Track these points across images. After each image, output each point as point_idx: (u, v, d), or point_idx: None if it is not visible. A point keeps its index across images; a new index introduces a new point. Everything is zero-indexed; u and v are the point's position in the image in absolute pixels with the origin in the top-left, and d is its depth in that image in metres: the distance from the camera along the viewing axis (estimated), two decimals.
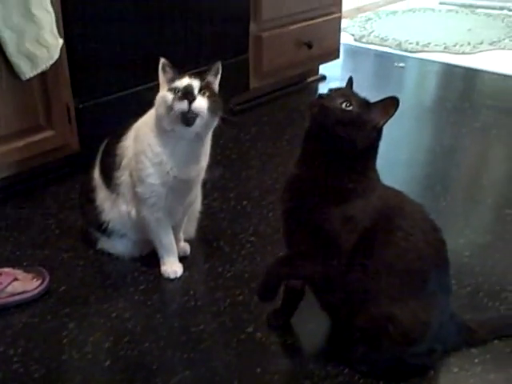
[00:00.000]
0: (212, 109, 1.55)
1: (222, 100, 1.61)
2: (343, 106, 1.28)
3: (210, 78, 1.61)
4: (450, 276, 1.43)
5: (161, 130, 1.60)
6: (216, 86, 1.63)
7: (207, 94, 1.55)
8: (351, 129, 1.28)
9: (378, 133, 1.32)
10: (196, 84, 1.55)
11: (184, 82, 1.55)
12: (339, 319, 1.44)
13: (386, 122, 1.31)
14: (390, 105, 1.30)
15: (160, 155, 1.61)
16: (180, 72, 1.60)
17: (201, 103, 1.53)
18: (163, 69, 1.61)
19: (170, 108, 1.54)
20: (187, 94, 1.52)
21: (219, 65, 1.63)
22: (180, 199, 1.71)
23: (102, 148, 1.78)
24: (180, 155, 1.61)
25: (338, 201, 1.32)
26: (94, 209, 1.76)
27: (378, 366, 1.40)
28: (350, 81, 1.42)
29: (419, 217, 1.40)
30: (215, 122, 1.60)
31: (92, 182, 1.77)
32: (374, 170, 1.37)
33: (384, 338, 1.33)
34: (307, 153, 1.36)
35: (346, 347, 1.43)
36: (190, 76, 1.57)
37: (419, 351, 1.37)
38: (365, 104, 1.31)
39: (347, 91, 1.35)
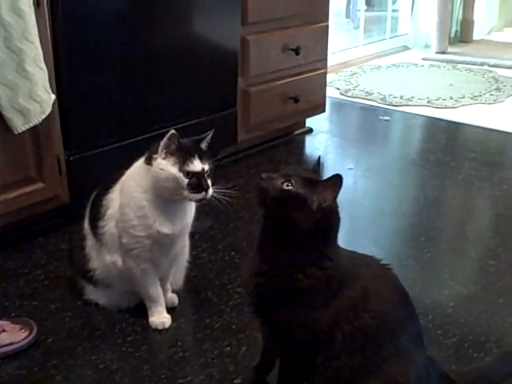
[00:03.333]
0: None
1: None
2: (284, 185, 1.25)
3: (205, 146, 1.67)
4: (419, 324, 1.44)
5: (157, 196, 1.64)
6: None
7: (211, 173, 1.65)
8: (292, 209, 1.25)
9: (327, 213, 1.27)
10: (206, 168, 1.62)
11: (197, 167, 1.60)
12: None
13: (333, 201, 1.27)
14: (335, 183, 1.26)
15: (144, 209, 1.65)
16: (184, 148, 1.62)
17: (211, 190, 1.63)
18: (170, 139, 1.59)
19: (183, 194, 1.61)
20: (203, 184, 1.61)
21: (211, 133, 1.69)
22: (165, 252, 1.73)
23: (91, 198, 1.81)
24: (165, 212, 1.65)
25: (294, 302, 1.29)
26: (83, 256, 1.79)
27: None
28: (319, 160, 1.41)
29: (383, 284, 1.37)
30: None
31: (83, 231, 1.80)
32: (333, 253, 1.31)
33: None
34: (264, 233, 1.34)
35: None
36: (200, 156, 1.62)
37: None
38: (309, 183, 1.26)
39: (292, 170, 1.30)
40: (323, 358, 1.31)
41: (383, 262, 1.42)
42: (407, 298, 1.40)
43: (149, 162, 1.63)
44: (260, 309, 1.36)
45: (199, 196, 1.62)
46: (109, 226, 1.72)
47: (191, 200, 1.65)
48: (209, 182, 1.63)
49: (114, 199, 1.72)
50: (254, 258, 1.37)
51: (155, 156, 1.61)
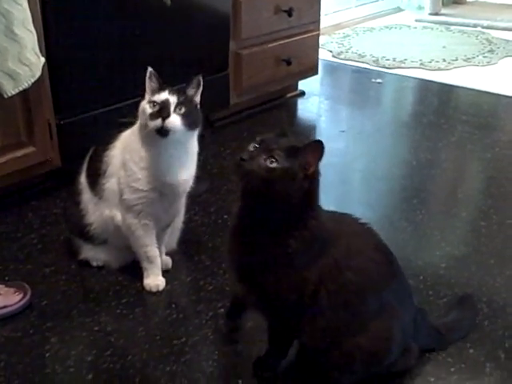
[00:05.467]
0: (187, 124, 1.62)
1: (201, 112, 1.69)
2: (267, 163, 1.21)
3: (190, 91, 1.66)
4: (405, 281, 1.47)
5: (144, 136, 1.66)
6: (197, 99, 1.69)
7: (183, 110, 1.61)
8: (281, 186, 1.22)
9: (311, 179, 1.26)
10: (173, 100, 1.61)
11: (162, 96, 1.61)
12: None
13: (317, 167, 1.25)
14: (317, 149, 1.23)
15: (146, 159, 1.66)
16: (163, 84, 1.65)
17: (174, 121, 1.60)
18: (150, 78, 1.66)
19: (146, 124, 1.62)
20: (162, 111, 1.59)
21: (200, 78, 1.68)
22: (167, 206, 1.74)
23: (89, 154, 1.82)
24: (165, 159, 1.67)
25: (282, 266, 1.29)
26: (79, 212, 1.79)
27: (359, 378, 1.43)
28: (284, 123, 1.37)
29: (365, 243, 1.39)
30: (195, 132, 1.68)
31: (78, 186, 1.81)
32: (316, 215, 1.31)
33: (354, 365, 1.36)
34: (246, 209, 1.32)
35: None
36: (170, 91, 1.63)
37: (391, 361, 1.41)
38: (291, 152, 1.23)
39: (271, 142, 1.25)
40: (309, 316, 1.33)
41: (362, 220, 1.44)
42: (389, 254, 1.42)
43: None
44: (247, 276, 1.35)
45: (156, 122, 1.59)
46: (110, 182, 1.74)
47: (152, 131, 1.61)
48: (173, 115, 1.60)
49: (115, 156, 1.73)
50: (235, 230, 1.35)
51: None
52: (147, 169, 1.67)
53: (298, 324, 1.35)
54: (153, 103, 1.61)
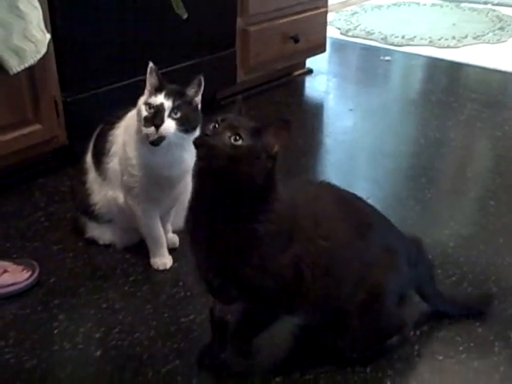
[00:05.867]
0: (183, 128, 1.58)
1: (200, 114, 1.64)
2: (232, 140, 1.16)
3: (190, 91, 1.62)
4: (386, 224, 1.45)
5: (140, 133, 1.62)
6: (197, 100, 1.64)
7: (179, 114, 1.57)
8: (246, 165, 1.16)
9: (276, 159, 1.21)
10: (168, 104, 1.56)
11: (158, 100, 1.57)
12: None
13: (282, 146, 1.19)
14: (283, 128, 1.18)
15: (141, 151, 1.64)
16: (163, 82, 1.60)
17: (167, 128, 1.56)
18: (150, 73, 1.62)
19: (142, 129, 1.58)
20: (156, 117, 1.55)
21: (201, 78, 1.63)
22: (166, 192, 1.73)
23: (95, 132, 1.80)
24: (160, 156, 1.64)
25: (255, 253, 1.23)
26: (84, 191, 1.79)
27: (365, 345, 1.44)
28: (239, 104, 1.29)
29: (325, 202, 1.35)
30: (192, 134, 1.59)
31: (84, 165, 1.80)
32: (279, 195, 1.24)
33: (361, 329, 1.37)
34: (202, 193, 1.24)
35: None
36: (167, 93, 1.58)
37: (390, 308, 1.41)
38: (255, 131, 1.18)
39: (234, 120, 1.20)
40: (300, 295, 1.31)
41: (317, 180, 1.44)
42: (353, 203, 1.40)
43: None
44: (221, 270, 1.28)
45: (148, 130, 1.56)
46: (113, 162, 1.73)
47: (145, 136, 1.58)
48: (167, 120, 1.56)
49: (119, 135, 1.72)
50: (197, 218, 1.27)
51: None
52: (141, 158, 1.64)
53: (291, 304, 1.33)
54: (148, 106, 1.57)
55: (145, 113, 1.58)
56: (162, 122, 1.55)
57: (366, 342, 1.43)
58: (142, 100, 1.62)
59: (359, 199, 1.44)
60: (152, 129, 1.56)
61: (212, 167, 1.17)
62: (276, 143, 1.18)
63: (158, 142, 1.57)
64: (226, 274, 1.27)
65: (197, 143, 1.18)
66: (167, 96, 1.57)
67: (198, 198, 1.25)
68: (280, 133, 1.18)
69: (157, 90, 1.59)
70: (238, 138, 1.16)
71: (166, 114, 1.56)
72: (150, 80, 1.61)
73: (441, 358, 1.47)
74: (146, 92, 1.62)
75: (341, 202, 1.38)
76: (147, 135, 1.58)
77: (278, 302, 1.31)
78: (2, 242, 1.87)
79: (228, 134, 1.16)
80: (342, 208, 1.36)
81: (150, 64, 1.62)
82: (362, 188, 2.21)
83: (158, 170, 1.65)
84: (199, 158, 1.19)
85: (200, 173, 1.22)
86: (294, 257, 1.26)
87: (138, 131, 1.63)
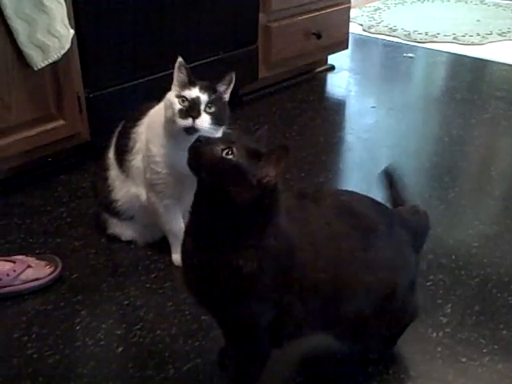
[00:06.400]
0: (216, 122, 1.59)
1: (228, 110, 1.65)
2: (223, 153, 1.09)
3: (221, 87, 1.62)
4: (393, 216, 1.38)
5: (169, 129, 1.63)
6: (226, 96, 1.65)
7: (213, 108, 1.58)
8: (230, 183, 1.08)
9: (268, 190, 1.11)
10: (204, 98, 1.57)
11: (193, 93, 1.57)
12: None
13: (276, 177, 1.10)
14: (280, 157, 1.09)
15: (166, 148, 1.64)
16: (192, 78, 1.60)
17: (203, 121, 1.57)
18: (179, 68, 1.62)
19: (173, 120, 1.58)
20: (192, 110, 1.56)
21: (233, 75, 1.63)
22: (188, 189, 1.72)
23: (118, 129, 1.81)
24: (184, 153, 1.62)
25: (240, 293, 1.15)
26: (106, 187, 1.79)
27: (384, 343, 1.42)
28: (264, 131, 1.21)
29: (333, 220, 1.26)
30: (221, 129, 1.62)
31: (107, 162, 1.81)
32: (275, 231, 1.14)
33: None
34: (193, 211, 1.18)
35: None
36: (201, 87, 1.58)
37: (405, 300, 1.36)
38: (253, 153, 1.10)
39: (235, 136, 1.15)
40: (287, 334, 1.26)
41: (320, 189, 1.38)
42: (356, 210, 1.30)
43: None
44: (205, 300, 1.23)
45: (185, 122, 1.56)
46: (136, 159, 1.73)
47: (181, 128, 1.58)
48: (203, 114, 1.56)
49: (142, 132, 1.72)
50: (186, 238, 1.20)
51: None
52: (166, 156, 1.64)
53: (277, 341, 1.26)
54: (182, 98, 1.57)
55: (179, 106, 1.57)
56: (199, 114, 1.56)
57: (385, 340, 1.41)
58: (170, 95, 1.61)
59: (361, 200, 1.35)
60: (189, 120, 1.56)
61: (197, 176, 1.12)
62: (271, 172, 1.09)
63: (193, 131, 1.57)
64: (206, 303, 1.23)
65: (188, 148, 1.14)
66: (202, 90, 1.58)
67: (190, 217, 1.20)
68: (277, 161, 1.09)
69: (190, 84, 1.59)
70: (230, 152, 1.09)
71: (202, 107, 1.57)
72: (179, 75, 1.61)
73: (464, 360, 1.46)
74: (174, 87, 1.62)
75: (343, 213, 1.28)
76: (182, 127, 1.57)
77: (259, 342, 1.24)
78: (26, 237, 1.88)
79: (221, 146, 1.10)
80: (345, 220, 1.27)
81: (179, 59, 1.61)
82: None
83: (181, 167, 1.64)
84: (187, 163, 1.14)
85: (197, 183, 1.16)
86: (286, 295, 1.18)
87: (165, 127, 1.63)
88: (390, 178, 1.55)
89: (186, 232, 1.21)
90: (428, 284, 1.70)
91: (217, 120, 1.59)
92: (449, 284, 1.70)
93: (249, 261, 1.12)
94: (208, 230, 1.14)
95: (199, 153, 1.11)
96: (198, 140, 1.13)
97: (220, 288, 1.15)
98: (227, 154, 1.09)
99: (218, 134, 1.59)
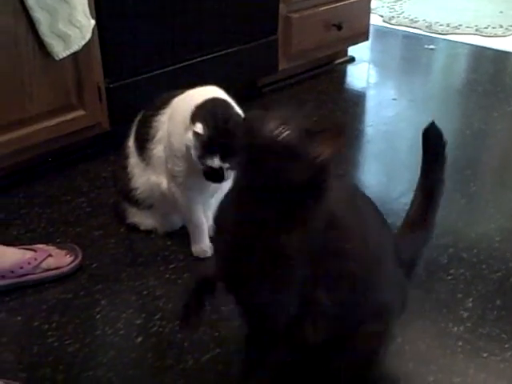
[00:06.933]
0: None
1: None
2: (276, 130, 1.03)
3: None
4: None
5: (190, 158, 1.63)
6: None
7: (232, 163, 1.58)
8: (280, 160, 1.03)
9: (321, 168, 1.07)
10: (226, 166, 1.58)
11: (215, 163, 1.57)
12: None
13: (331, 155, 1.05)
14: (336, 135, 1.05)
15: (185, 147, 1.63)
16: (212, 143, 1.56)
17: (227, 179, 1.60)
18: (196, 136, 1.57)
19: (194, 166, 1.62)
20: (216, 175, 1.60)
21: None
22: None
23: (137, 118, 1.80)
24: None
25: (279, 271, 1.10)
26: (125, 175, 1.79)
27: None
28: (312, 107, 1.21)
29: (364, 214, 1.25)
30: None
31: (126, 150, 1.81)
32: (322, 209, 1.10)
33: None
34: (236, 185, 1.15)
35: None
36: (223, 155, 1.56)
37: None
38: (306, 132, 1.04)
39: (289, 114, 1.07)
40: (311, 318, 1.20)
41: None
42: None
43: (192, 122, 1.58)
44: (236, 282, 1.17)
45: (211, 183, 1.63)
46: (157, 148, 1.72)
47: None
48: (226, 174, 1.59)
49: (164, 122, 1.71)
50: (226, 212, 1.15)
51: (194, 123, 1.57)
52: (186, 152, 1.63)
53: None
54: (205, 165, 1.59)
55: (202, 167, 1.59)
56: (224, 179, 1.60)
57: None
58: (189, 139, 1.59)
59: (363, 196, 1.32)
60: (217, 184, 1.63)
61: (245, 151, 1.07)
62: (325, 150, 1.04)
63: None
64: (236, 285, 1.18)
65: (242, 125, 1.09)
66: (223, 159, 1.56)
67: (231, 194, 1.16)
68: (332, 140, 1.05)
69: (212, 153, 1.56)
70: (283, 129, 1.03)
71: (226, 173, 1.59)
72: (197, 140, 1.57)
73: (485, 355, 1.44)
74: (194, 139, 1.58)
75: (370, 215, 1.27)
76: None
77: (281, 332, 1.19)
78: (46, 226, 1.89)
79: (275, 122, 1.04)
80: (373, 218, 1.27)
81: (198, 127, 1.55)
82: (405, 179, 2.17)
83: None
84: (241, 137, 1.09)
85: (242, 164, 1.11)
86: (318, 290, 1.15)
87: (185, 124, 1.62)
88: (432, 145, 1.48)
89: (223, 209, 1.17)
90: (449, 278, 1.68)
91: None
92: (470, 278, 1.68)
93: (292, 241, 1.08)
94: (252, 208, 1.08)
95: (251, 130, 1.05)
96: (249, 117, 1.07)
97: (257, 268, 1.10)
98: (280, 131, 1.03)
99: None
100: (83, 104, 2.12)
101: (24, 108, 1.97)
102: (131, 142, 1.80)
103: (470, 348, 1.46)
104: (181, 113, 1.65)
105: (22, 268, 1.61)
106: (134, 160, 1.78)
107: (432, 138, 1.46)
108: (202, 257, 1.75)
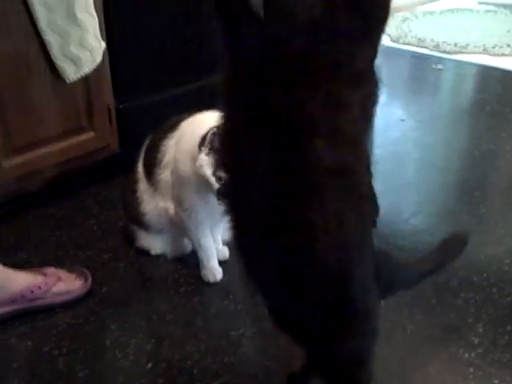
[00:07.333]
0: None
1: None
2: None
3: None
4: None
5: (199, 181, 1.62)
6: None
7: None
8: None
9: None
10: None
11: None
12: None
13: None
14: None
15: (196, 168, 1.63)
16: None
17: None
18: (214, 135, 1.54)
19: (207, 187, 1.59)
20: None
21: None
22: (217, 206, 1.72)
23: (146, 142, 1.81)
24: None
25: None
26: (135, 200, 1.80)
27: None
28: None
29: None
30: None
31: (136, 174, 1.81)
32: None
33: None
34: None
35: None
36: None
37: None
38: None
39: None
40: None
41: None
42: None
43: (199, 148, 1.59)
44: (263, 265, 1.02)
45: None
46: (165, 173, 1.73)
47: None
48: None
49: (172, 146, 1.71)
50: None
51: (202, 148, 1.58)
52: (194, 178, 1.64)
53: None
54: (220, 178, 1.54)
55: (216, 185, 1.55)
56: None
57: None
58: (202, 160, 1.57)
59: None
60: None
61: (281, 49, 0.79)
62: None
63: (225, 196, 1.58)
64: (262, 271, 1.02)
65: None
66: None
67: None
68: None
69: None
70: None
71: None
72: (213, 143, 1.55)
73: (497, 381, 1.43)
74: (205, 150, 1.57)
75: None
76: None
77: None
78: (56, 249, 1.90)
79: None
80: None
81: (214, 129, 1.53)
82: (414, 202, 2.18)
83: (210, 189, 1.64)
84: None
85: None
86: None
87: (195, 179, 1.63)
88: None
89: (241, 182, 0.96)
90: (459, 302, 1.68)
91: None
92: (480, 302, 1.67)
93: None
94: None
95: (287, 11, 0.79)
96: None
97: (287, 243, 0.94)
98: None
99: None
100: (93, 126, 2.14)
101: (35, 131, 1.99)
102: (140, 167, 1.81)
103: (482, 374, 1.45)
104: (188, 138, 1.66)
105: (32, 292, 1.61)
106: (143, 185, 1.79)
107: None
108: (211, 281, 1.75)
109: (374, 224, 1.03)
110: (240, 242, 1.04)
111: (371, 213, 1.01)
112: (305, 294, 1.01)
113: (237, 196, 0.99)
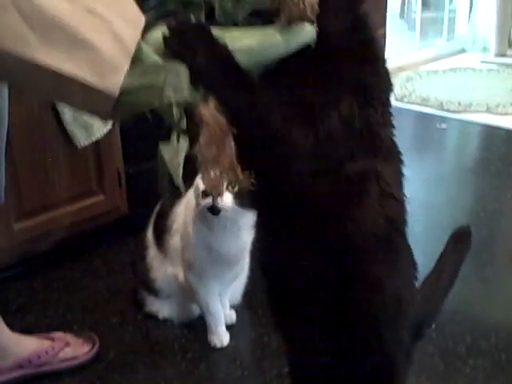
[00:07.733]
0: (241, 202, 1.57)
1: None
2: None
3: None
4: None
5: (197, 211, 1.65)
6: None
7: (236, 188, 1.58)
8: None
9: None
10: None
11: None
12: None
13: None
14: None
15: (201, 229, 1.67)
16: None
17: (226, 200, 1.57)
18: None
19: (198, 202, 1.61)
20: (214, 210, 1.58)
21: None
22: (226, 269, 1.74)
23: (156, 209, 1.84)
24: (218, 232, 1.65)
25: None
26: (144, 266, 1.82)
27: None
28: None
29: None
30: (247, 212, 1.56)
31: (145, 240, 1.84)
32: None
33: None
34: None
35: None
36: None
37: None
38: None
39: None
40: None
41: None
42: None
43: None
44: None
45: (206, 201, 1.58)
46: (174, 239, 1.76)
47: (205, 209, 1.60)
48: (226, 193, 1.54)
49: (180, 213, 1.75)
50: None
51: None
52: (202, 238, 1.67)
53: None
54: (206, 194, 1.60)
55: (203, 186, 1.59)
56: (219, 211, 1.58)
57: None
58: (198, 180, 1.64)
59: None
60: (210, 199, 1.57)
61: None
62: None
63: (216, 211, 1.58)
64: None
65: None
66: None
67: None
68: None
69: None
70: None
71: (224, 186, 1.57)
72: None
73: None
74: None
75: None
76: (205, 207, 1.59)
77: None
78: (64, 313, 1.91)
79: None
80: None
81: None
82: (419, 264, 2.15)
83: (215, 248, 1.67)
84: None
85: None
86: None
87: (195, 207, 1.65)
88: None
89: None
90: (467, 370, 1.66)
91: (242, 200, 1.56)
92: (489, 370, 1.66)
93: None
94: None
95: None
96: None
97: None
98: None
99: (243, 216, 1.58)
100: (103, 189, 2.18)
101: (46, 194, 2.02)
102: (150, 233, 1.83)
103: None
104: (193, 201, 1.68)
105: (39, 358, 1.62)
106: (152, 251, 1.81)
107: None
108: (218, 346, 1.76)
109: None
110: None
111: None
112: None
113: None
